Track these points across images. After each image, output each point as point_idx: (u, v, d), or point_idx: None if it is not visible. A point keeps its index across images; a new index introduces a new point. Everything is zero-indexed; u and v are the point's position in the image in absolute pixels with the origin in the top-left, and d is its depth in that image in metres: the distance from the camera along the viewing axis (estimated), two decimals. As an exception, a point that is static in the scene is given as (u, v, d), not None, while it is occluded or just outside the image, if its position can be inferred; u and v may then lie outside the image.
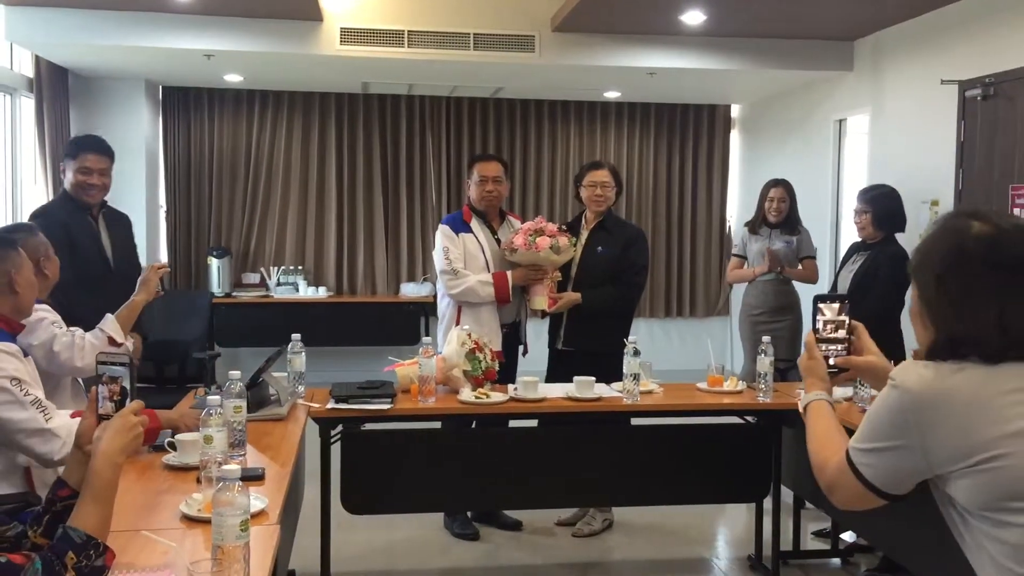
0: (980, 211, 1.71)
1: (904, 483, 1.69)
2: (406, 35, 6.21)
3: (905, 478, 1.68)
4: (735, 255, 5.61)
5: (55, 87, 6.67)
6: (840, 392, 3.62)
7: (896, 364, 2.07)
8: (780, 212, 5.36)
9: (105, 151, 4.12)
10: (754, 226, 5.47)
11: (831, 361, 2.05)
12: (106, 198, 4.19)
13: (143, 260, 7.23)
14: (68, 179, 4.05)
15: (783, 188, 5.42)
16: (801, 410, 2.00)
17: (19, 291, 2.69)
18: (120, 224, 4.32)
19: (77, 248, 3.87)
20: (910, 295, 1.80)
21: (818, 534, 4.57)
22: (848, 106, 6.78)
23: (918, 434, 1.62)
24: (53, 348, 3.08)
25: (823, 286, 5.50)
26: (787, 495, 4.20)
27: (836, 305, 2.09)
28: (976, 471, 1.58)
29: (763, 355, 3.84)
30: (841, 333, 2.08)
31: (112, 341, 3.25)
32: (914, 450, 1.63)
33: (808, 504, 4.37)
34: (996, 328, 1.61)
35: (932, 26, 5.69)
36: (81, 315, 3.36)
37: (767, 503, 4.09)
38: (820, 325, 2.08)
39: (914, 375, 1.65)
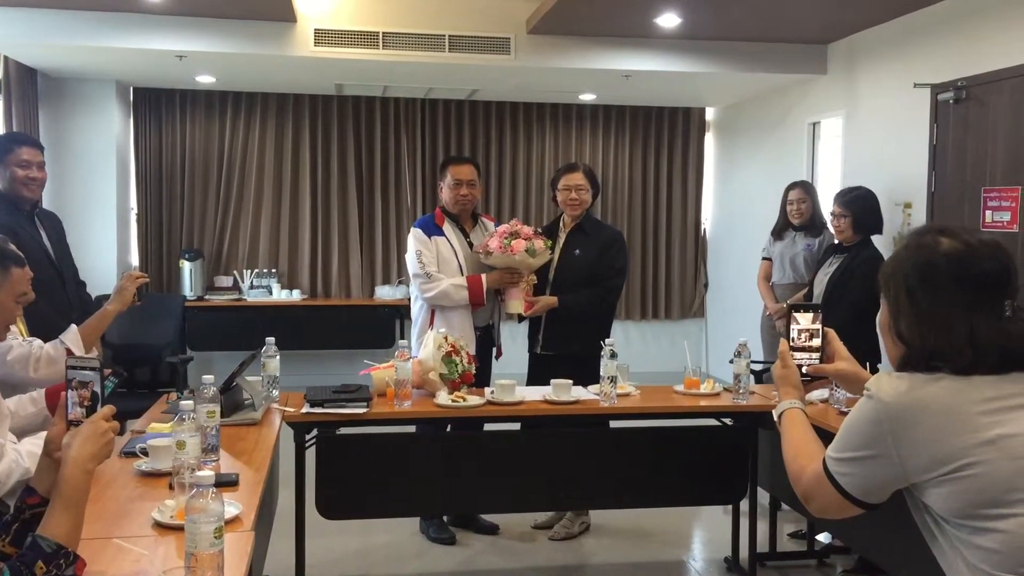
0: (948, 227, 1.75)
1: (880, 492, 1.72)
2: (381, 36, 6.18)
3: (881, 487, 1.71)
4: (764, 259, 5.71)
5: (24, 88, 6.58)
6: (816, 394, 3.64)
7: (871, 366, 2.09)
8: (802, 213, 5.42)
9: (37, 144, 4.07)
10: (778, 231, 5.53)
11: (804, 370, 2.09)
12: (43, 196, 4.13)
13: (114, 265, 7.26)
14: (3, 178, 3.98)
15: (802, 189, 5.50)
16: (776, 418, 2.03)
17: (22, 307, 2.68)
18: (54, 224, 4.26)
19: (27, 253, 3.79)
20: (880, 313, 1.84)
21: (794, 535, 4.59)
22: (822, 109, 6.82)
23: (894, 443, 1.65)
24: (7, 358, 3.02)
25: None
26: (763, 497, 4.21)
27: (810, 314, 2.15)
28: (951, 479, 1.61)
29: (739, 357, 3.84)
30: (815, 342, 2.13)
31: (70, 354, 3.19)
32: (890, 459, 1.66)
33: (784, 506, 4.39)
34: (967, 342, 1.65)
35: (905, 30, 5.74)
36: (41, 324, 3.28)
37: (744, 505, 4.09)
38: (794, 334, 2.14)
39: (889, 386, 1.68)
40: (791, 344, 2.12)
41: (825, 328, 2.13)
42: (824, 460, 1.76)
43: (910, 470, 1.65)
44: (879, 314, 1.84)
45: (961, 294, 1.67)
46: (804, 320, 2.14)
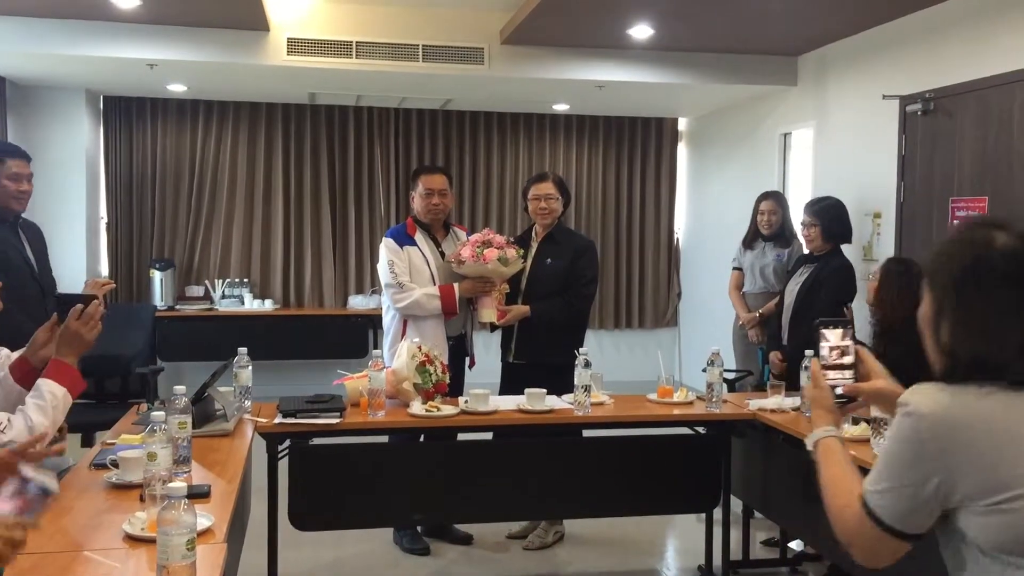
0: (1005, 222, 1.54)
1: (926, 519, 1.51)
2: (354, 46, 6.17)
3: (928, 513, 1.51)
4: (735, 268, 5.78)
5: (-8, 96, 6.52)
6: (789, 401, 3.65)
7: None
8: (771, 225, 5.50)
9: (26, 156, 4.03)
10: (749, 241, 5.60)
11: (838, 390, 1.86)
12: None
13: (83, 274, 7.18)
14: None
15: (773, 201, 5.57)
16: (810, 447, 1.77)
17: None
18: (36, 235, 4.21)
19: (9, 265, 3.72)
20: (922, 305, 1.61)
21: (767, 543, 4.61)
22: (793, 120, 6.89)
23: (940, 462, 1.46)
24: None
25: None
26: (736, 505, 4.22)
27: (839, 330, 1.92)
28: (1000, 510, 1.43)
29: (712, 366, 3.86)
30: (847, 359, 1.91)
31: None
32: (933, 481, 1.48)
33: (757, 513, 4.41)
34: (1022, 351, 1.47)
35: (874, 42, 5.81)
36: (19, 336, 3.24)
37: (717, 513, 4.10)
38: (825, 352, 1.91)
39: (929, 399, 1.49)
40: (822, 363, 1.88)
41: (858, 347, 1.91)
42: (863, 496, 1.54)
43: (953, 493, 1.46)
44: (921, 307, 1.61)
45: (1016, 297, 1.48)
46: (833, 336, 1.91)
